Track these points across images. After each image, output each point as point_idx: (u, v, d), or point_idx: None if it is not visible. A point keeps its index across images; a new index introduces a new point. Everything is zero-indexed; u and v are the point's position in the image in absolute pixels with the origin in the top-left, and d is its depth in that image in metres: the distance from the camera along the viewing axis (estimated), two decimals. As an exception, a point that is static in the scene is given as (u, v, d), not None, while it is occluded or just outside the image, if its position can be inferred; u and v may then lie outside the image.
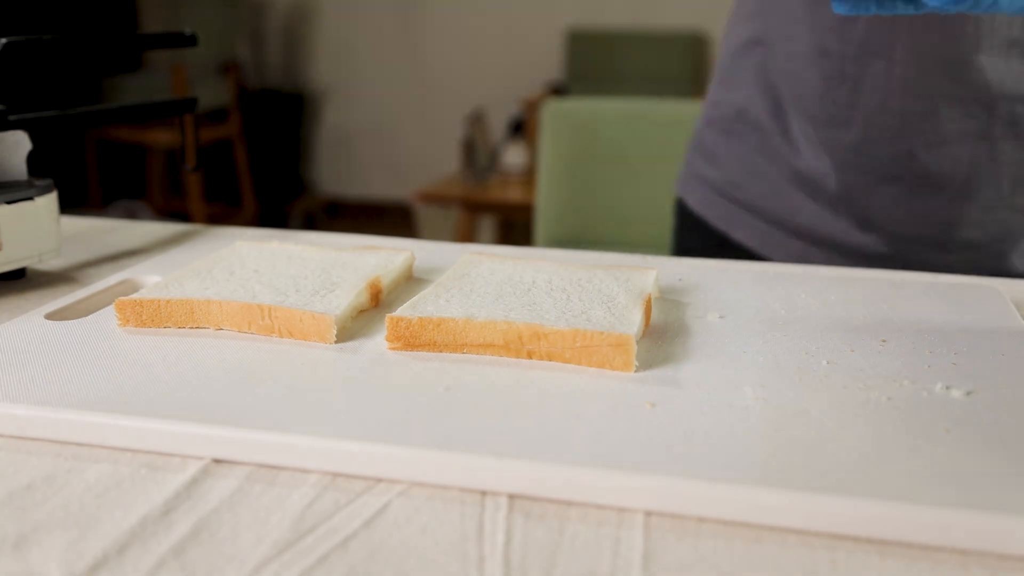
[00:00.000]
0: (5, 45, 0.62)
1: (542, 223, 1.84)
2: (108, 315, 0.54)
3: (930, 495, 0.35)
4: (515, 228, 3.13)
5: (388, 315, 0.50)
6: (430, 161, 4.15)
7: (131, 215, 3.00)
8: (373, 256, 0.62)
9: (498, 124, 3.52)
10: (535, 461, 0.37)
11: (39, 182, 0.64)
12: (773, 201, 0.86)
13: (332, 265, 0.60)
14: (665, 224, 1.80)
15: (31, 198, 0.63)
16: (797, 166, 0.83)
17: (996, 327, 0.53)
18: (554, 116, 1.86)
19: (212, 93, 3.55)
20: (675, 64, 3.69)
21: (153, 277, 0.63)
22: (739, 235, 0.88)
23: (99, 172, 3.71)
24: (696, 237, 0.94)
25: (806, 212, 0.83)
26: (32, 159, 0.66)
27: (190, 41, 0.73)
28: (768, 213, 0.86)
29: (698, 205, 0.93)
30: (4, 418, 0.42)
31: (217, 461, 0.40)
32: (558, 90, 3.49)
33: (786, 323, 0.54)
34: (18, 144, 0.64)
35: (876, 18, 0.74)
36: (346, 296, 0.54)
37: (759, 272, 0.65)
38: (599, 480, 0.36)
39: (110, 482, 0.38)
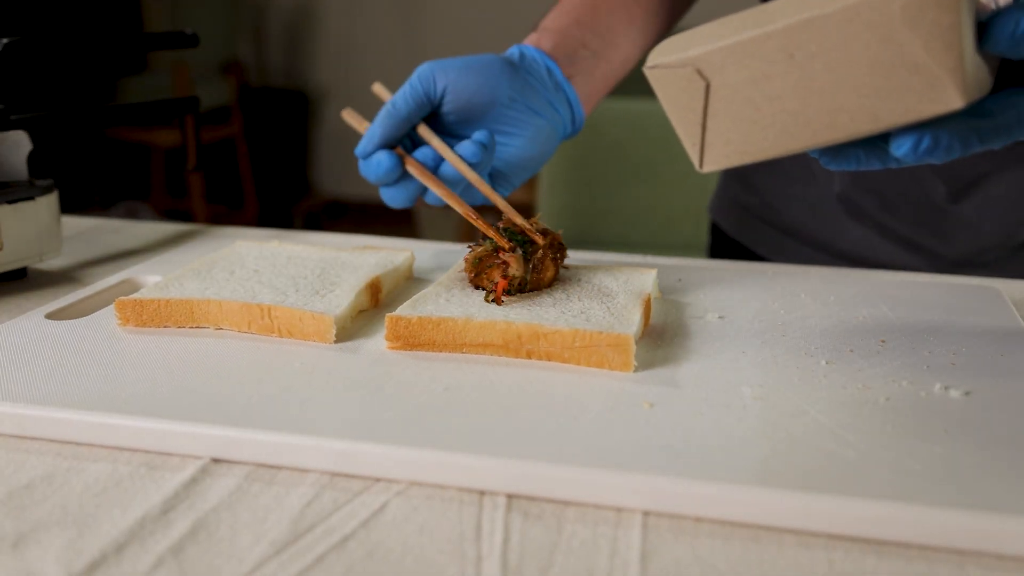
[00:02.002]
0: (5, 45, 0.62)
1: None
2: (108, 315, 0.54)
3: (928, 495, 0.35)
4: (517, 228, 3.12)
5: (388, 314, 0.50)
6: (432, 161, 4.14)
7: (133, 215, 3.01)
8: (373, 256, 0.62)
9: (500, 124, 3.52)
10: (533, 461, 0.37)
11: (40, 182, 0.64)
12: (816, 225, 0.83)
13: (332, 265, 0.60)
14: (665, 224, 1.80)
15: (32, 198, 0.63)
16: (840, 190, 0.81)
17: (996, 327, 0.53)
18: (555, 116, 1.86)
19: (214, 93, 3.55)
20: (677, 64, 3.68)
21: (153, 277, 0.63)
22: (780, 260, 0.86)
23: (103, 172, 3.72)
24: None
25: (851, 235, 0.81)
26: (36, 159, 0.66)
27: (191, 41, 0.73)
28: (811, 237, 0.84)
29: (734, 230, 0.91)
30: (4, 417, 0.42)
31: (216, 460, 0.40)
32: (560, 90, 3.48)
33: (785, 323, 0.54)
34: (18, 144, 0.64)
35: None
36: (346, 296, 0.54)
37: (758, 272, 0.65)
38: (597, 480, 0.36)
39: (109, 481, 0.39)
